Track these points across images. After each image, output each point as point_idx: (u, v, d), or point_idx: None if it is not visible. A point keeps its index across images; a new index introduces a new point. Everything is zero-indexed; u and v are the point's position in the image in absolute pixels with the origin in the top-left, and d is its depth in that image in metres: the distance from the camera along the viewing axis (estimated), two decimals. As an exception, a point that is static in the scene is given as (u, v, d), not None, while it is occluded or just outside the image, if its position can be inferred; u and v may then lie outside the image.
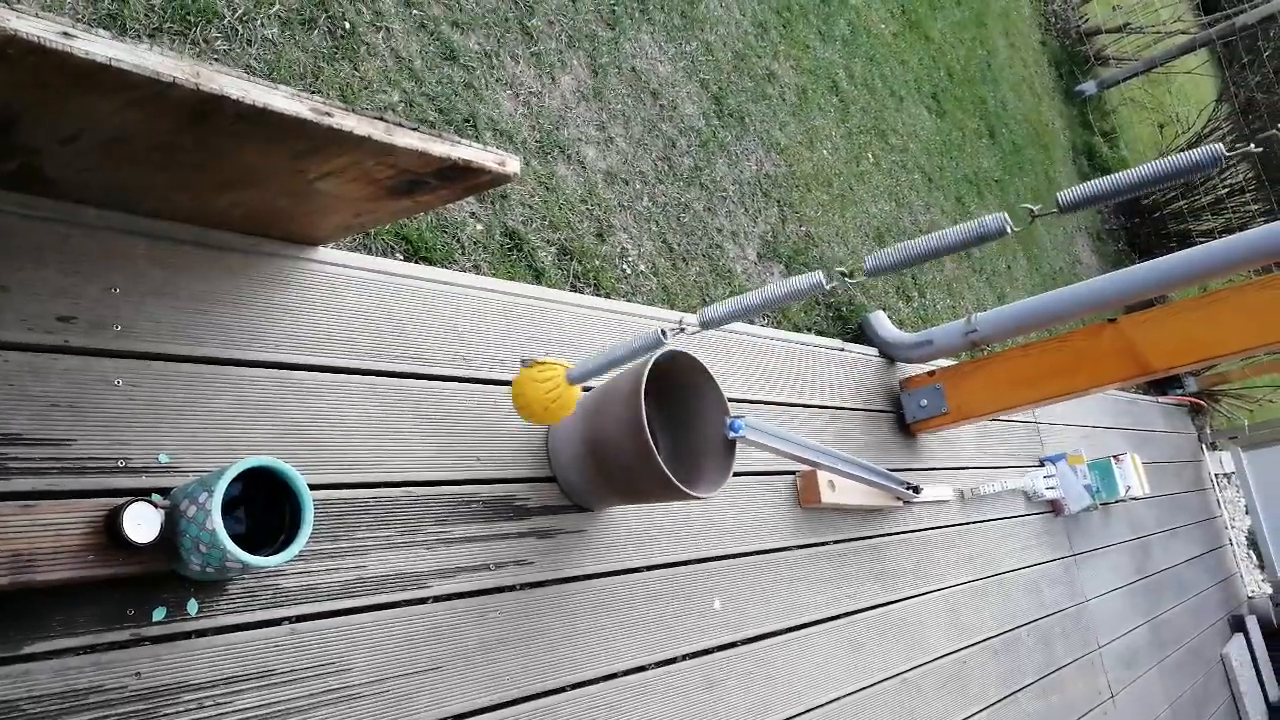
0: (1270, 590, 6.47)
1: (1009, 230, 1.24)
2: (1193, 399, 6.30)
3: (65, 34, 0.93)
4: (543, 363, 1.48)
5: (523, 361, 1.52)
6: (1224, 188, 6.81)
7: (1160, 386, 6.08)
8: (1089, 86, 7.19)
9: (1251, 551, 6.58)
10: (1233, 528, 6.41)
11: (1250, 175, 6.79)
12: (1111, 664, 3.93)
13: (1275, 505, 6.56)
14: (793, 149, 3.53)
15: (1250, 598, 6.28)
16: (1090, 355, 2.78)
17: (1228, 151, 1.14)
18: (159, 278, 1.37)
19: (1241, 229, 2.57)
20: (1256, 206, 6.72)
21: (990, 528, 3.38)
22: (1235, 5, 7.38)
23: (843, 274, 1.34)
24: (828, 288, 1.31)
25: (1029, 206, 1.26)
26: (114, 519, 1.16)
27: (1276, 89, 6.80)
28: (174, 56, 0.98)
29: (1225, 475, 6.56)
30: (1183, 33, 7.63)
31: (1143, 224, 6.94)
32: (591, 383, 2.01)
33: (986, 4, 6.16)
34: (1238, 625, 5.79)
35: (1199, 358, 2.69)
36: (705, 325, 1.36)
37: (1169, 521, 5.19)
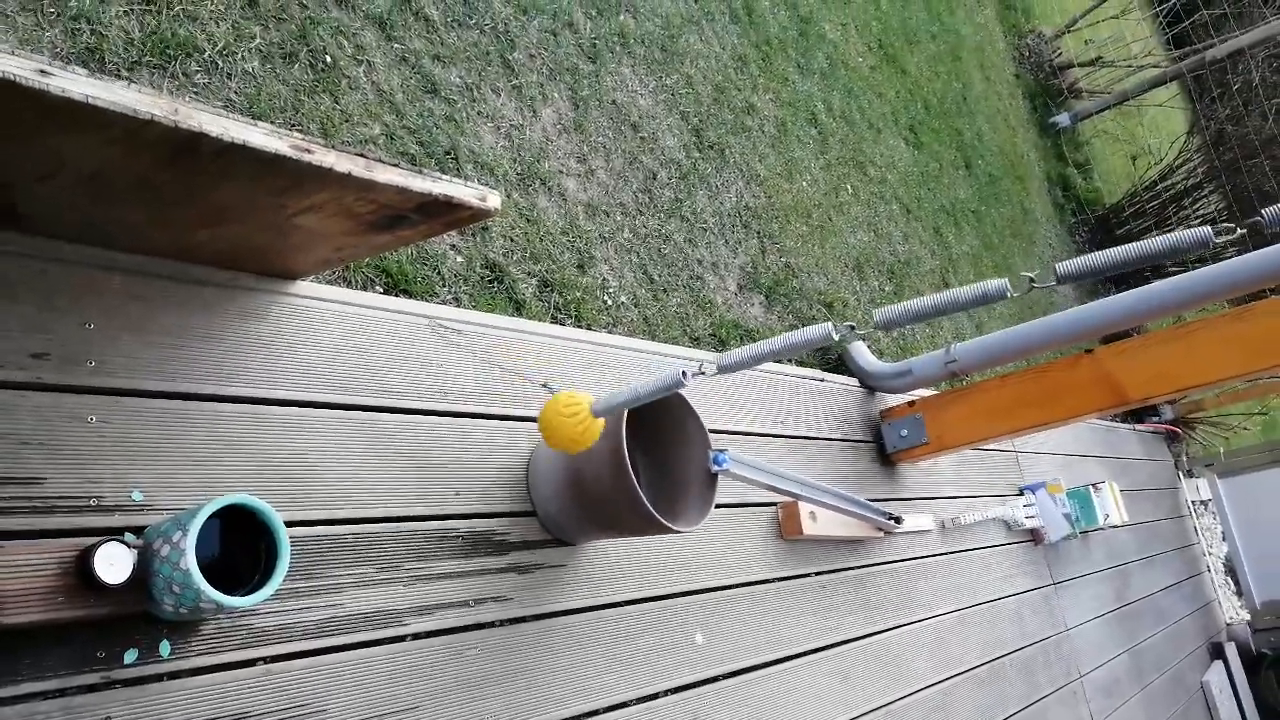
0: (1248, 617, 6.50)
1: (1009, 294, 1.34)
2: (1169, 427, 6.35)
3: (41, 71, 0.92)
4: (571, 395, 1.51)
5: (545, 386, 1.56)
6: (1196, 219, 6.91)
7: (1137, 415, 6.13)
8: (1063, 119, 7.30)
9: (1229, 578, 6.61)
10: (1210, 554, 6.45)
11: (1222, 206, 6.90)
12: (1093, 693, 3.93)
13: (1252, 532, 6.61)
14: (772, 180, 3.56)
15: (1229, 624, 6.30)
16: (1068, 386, 2.80)
17: (1216, 237, 1.25)
18: (134, 312, 1.35)
19: (1215, 260, 2.61)
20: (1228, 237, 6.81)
21: (971, 557, 3.38)
22: (1204, 40, 7.53)
23: (850, 327, 1.41)
24: (835, 338, 1.36)
25: (1028, 274, 1.37)
26: (85, 559, 1.14)
27: (1246, 121, 6.93)
28: (151, 93, 0.98)
29: (1202, 502, 6.60)
30: (1154, 66, 7.77)
31: (1117, 254, 7.01)
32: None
33: (961, 38, 6.26)
34: (1217, 652, 5.80)
35: (1175, 388, 2.72)
36: (722, 370, 1.42)
37: (1147, 549, 5.21)
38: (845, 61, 4.53)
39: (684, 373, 1.40)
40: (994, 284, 1.32)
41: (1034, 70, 7.53)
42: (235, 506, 1.21)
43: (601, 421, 1.54)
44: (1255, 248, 2.46)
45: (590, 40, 2.94)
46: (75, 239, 1.28)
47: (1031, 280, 1.43)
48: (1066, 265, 1.46)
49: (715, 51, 3.57)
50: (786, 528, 2.50)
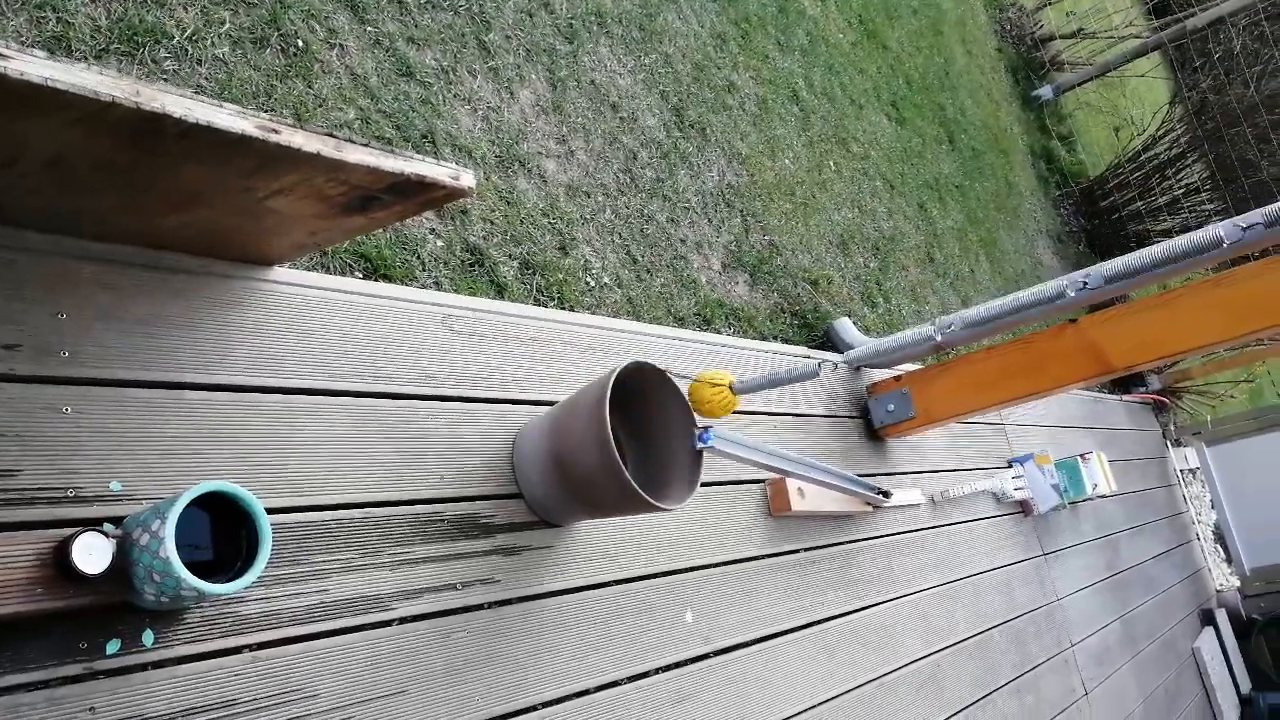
0: (1238, 583, 6.55)
1: (1070, 294, 1.75)
2: (1156, 396, 6.38)
3: (-2, 54, 0.91)
4: (715, 373, 1.76)
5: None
6: (1180, 188, 6.93)
7: (1124, 385, 6.16)
8: (1045, 91, 7.30)
9: (1218, 546, 6.67)
10: (1199, 523, 6.50)
11: (1206, 175, 6.92)
12: (1085, 661, 3.96)
13: (1240, 499, 6.66)
14: (754, 159, 3.55)
15: (1219, 591, 6.36)
16: (1053, 355, 2.80)
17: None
18: (107, 301, 1.34)
19: (1198, 227, 2.61)
20: (1212, 206, 6.84)
21: (960, 530, 3.40)
22: (1185, 9, 7.53)
23: (948, 326, 1.78)
24: (938, 339, 1.59)
25: (1082, 279, 1.77)
26: (63, 550, 1.13)
27: (1228, 90, 6.93)
28: (113, 75, 0.96)
29: (1190, 471, 6.65)
30: (1135, 37, 7.77)
31: (1102, 225, 7.04)
32: (553, 396, 2.00)
33: (942, 13, 6.24)
34: (1208, 619, 5.85)
35: (1159, 355, 2.72)
36: (850, 364, 1.70)
37: (1136, 518, 5.25)
38: (826, 38, 4.51)
39: (820, 365, 1.66)
40: (1054, 284, 1.66)
41: (1016, 43, 7.52)
42: (215, 494, 1.20)
43: (737, 398, 1.72)
44: (1238, 213, 2.47)
45: (567, 20, 2.91)
46: (43, 228, 1.27)
47: (1085, 282, 1.68)
48: (1109, 266, 1.72)
49: (694, 30, 3.55)
50: (775, 504, 2.50)
